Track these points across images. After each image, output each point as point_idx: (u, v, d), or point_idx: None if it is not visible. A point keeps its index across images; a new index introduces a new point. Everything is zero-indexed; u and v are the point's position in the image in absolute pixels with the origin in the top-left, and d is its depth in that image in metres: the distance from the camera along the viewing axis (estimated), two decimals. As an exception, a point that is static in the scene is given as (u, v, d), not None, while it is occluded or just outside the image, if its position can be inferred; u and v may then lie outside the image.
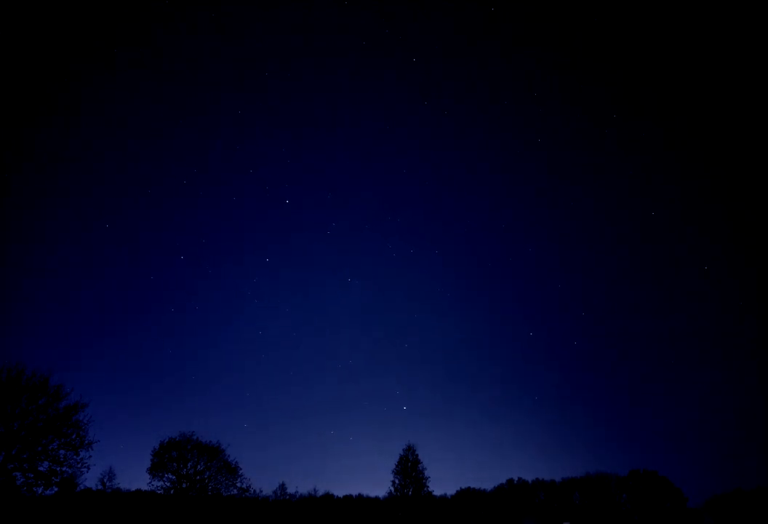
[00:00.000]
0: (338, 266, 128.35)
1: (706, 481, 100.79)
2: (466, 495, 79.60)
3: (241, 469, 47.59)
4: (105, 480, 48.68)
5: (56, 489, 28.66)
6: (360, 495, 77.50)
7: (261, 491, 58.09)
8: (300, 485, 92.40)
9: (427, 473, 55.82)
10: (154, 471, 44.85)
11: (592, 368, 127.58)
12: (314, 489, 67.57)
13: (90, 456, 28.55)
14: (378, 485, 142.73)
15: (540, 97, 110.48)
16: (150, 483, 44.89)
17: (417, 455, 56.29)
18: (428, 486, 55.69)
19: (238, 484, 47.20)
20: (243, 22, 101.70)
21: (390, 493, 55.97)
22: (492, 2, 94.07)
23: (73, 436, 28.14)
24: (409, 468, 55.71)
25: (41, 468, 27.33)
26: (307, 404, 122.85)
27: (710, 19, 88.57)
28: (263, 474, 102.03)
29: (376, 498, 72.11)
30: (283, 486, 63.51)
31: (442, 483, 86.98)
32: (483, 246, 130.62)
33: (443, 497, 77.13)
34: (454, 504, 77.23)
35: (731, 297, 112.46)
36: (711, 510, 71.15)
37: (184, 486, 44.99)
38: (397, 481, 55.59)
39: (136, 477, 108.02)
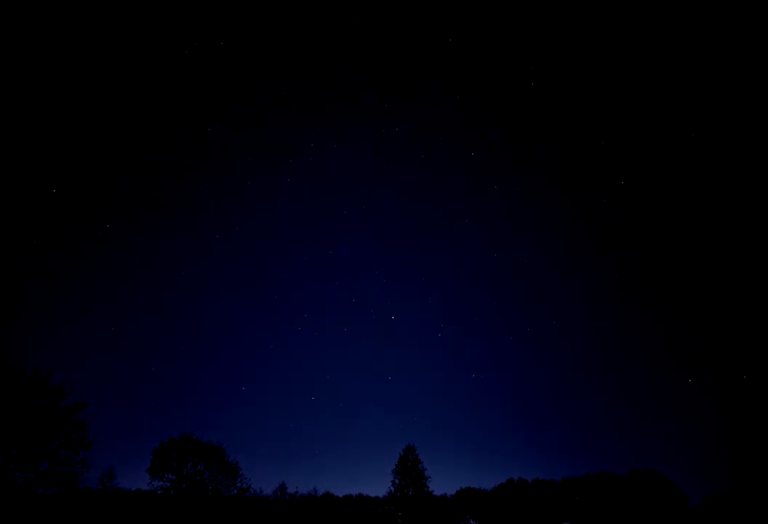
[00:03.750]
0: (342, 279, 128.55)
1: (706, 480, 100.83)
2: (466, 494, 79.48)
3: (241, 469, 47.65)
4: (105, 480, 48.62)
5: (56, 489, 28.60)
6: (360, 495, 77.42)
7: (261, 491, 58.07)
8: (300, 485, 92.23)
9: (427, 473, 55.93)
10: (154, 471, 44.83)
11: (592, 368, 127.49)
12: (314, 489, 67.35)
13: (90, 456, 28.52)
14: (378, 485, 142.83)
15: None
16: (150, 483, 44.93)
17: (417, 455, 56.35)
18: (428, 486, 55.80)
19: (238, 484, 47.22)
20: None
21: (390, 493, 56.00)
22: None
23: (73, 436, 28.10)
24: (409, 468, 55.72)
25: (41, 468, 27.30)
26: (308, 404, 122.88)
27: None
28: (263, 474, 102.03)
29: (377, 498, 71.96)
30: (283, 486, 63.40)
31: (442, 483, 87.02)
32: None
33: (443, 497, 77.02)
34: (454, 503, 77.15)
35: (730, 297, 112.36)
36: (711, 508, 71.05)
37: (184, 486, 44.96)
38: (397, 481, 55.62)
39: (136, 477, 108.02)
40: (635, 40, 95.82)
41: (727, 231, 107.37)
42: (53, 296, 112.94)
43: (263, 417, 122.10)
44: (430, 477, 55.91)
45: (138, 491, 52.23)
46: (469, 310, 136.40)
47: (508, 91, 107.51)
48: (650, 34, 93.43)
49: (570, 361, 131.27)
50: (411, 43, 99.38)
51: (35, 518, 31.08)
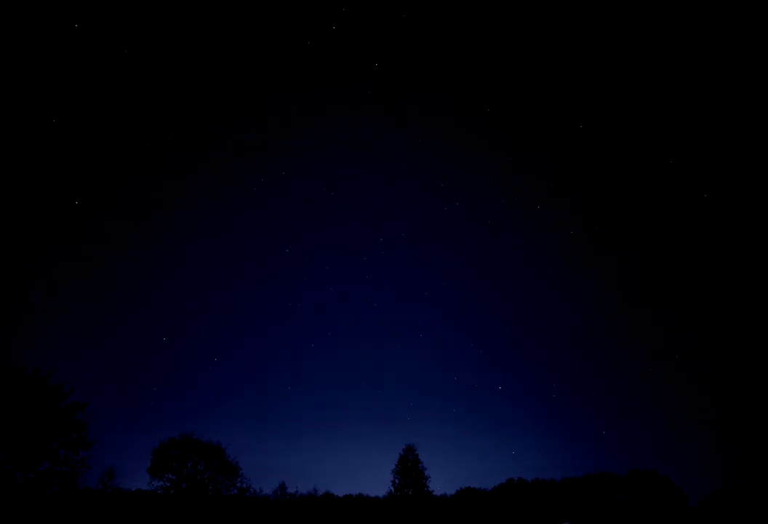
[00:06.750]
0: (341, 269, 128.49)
1: (706, 480, 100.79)
2: (466, 494, 79.58)
3: (241, 469, 47.69)
4: (105, 480, 48.65)
5: (56, 489, 28.62)
6: (360, 495, 77.52)
7: (261, 491, 58.08)
8: (300, 485, 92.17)
9: (427, 473, 55.92)
10: (154, 470, 44.87)
11: (592, 367, 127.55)
12: (314, 489, 67.35)
13: (90, 456, 28.53)
14: (378, 485, 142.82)
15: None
16: (150, 482, 44.98)
17: (417, 455, 56.36)
18: (428, 486, 55.78)
19: (238, 484, 47.28)
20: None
21: (390, 493, 56.00)
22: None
23: (73, 436, 28.11)
24: (409, 468, 55.72)
25: (41, 468, 27.31)
26: (308, 404, 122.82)
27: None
28: (263, 474, 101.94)
29: (376, 498, 72.01)
30: (283, 486, 63.38)
31: (442, 482, 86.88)
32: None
33: (443, 496, 77.07)
34: (454, 503, 77.18)
35: (731, 297, 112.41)
36: (711, 508, 71.09)
37: (184, 485, 45.00)
38: (397, 481, 55.61)
39: (136, 477, 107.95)
40: (630, 33, 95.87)
41: (728, 231, 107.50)
42: (53, 296, 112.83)
43: (263, 417, 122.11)
44: (430, 477, 55.93)
45: (138, 491, 52.27)
46: (467, 310, 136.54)
47: (508, 91, 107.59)
48: (655, 41, 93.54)
49: (569, 361, 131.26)
50: (413, 45, 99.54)
51: (35, 518, 31.10)
